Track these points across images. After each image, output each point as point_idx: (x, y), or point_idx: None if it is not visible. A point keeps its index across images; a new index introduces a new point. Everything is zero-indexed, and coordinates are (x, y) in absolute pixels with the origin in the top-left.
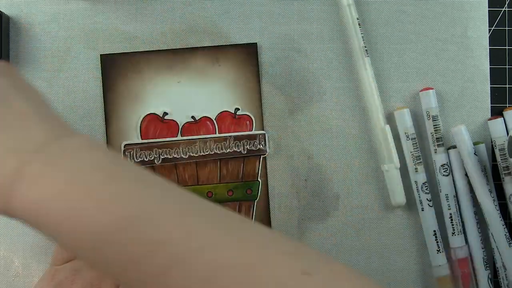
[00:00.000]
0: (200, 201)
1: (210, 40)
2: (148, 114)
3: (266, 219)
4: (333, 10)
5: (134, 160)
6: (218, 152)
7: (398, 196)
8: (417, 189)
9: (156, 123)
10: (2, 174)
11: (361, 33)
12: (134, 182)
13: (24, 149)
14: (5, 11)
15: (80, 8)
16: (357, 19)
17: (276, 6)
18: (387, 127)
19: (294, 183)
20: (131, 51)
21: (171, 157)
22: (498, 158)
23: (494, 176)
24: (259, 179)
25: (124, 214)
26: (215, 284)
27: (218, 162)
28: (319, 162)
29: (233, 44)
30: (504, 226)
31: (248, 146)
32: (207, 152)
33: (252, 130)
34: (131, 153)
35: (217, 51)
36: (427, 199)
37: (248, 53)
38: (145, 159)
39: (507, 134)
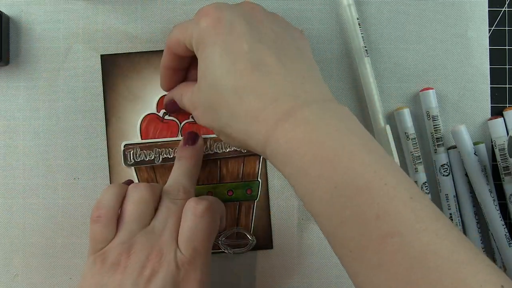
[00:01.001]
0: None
1: None
2: (148, 114)
3: (266, 219)
4: (333, 10)
5: (134, 160)
6: (218, 152)
7: None
8: None
9: (156, 123)
10: (274, 112)
11: (361, 33)
12: (387, 158)
13: (299, 97)
14: (5, 11)
15: (80, 8)
16: (357, 19)
17: (276, 6)
18: (387, 127)
19: None
20: (131, 51)
21: (171, 157)
22: (498, 158)
23: (494, 176)
24: (259, 179)
25: (379, 179)
26: (422, 268)
27: (218, 162)
28: None
29: None
30: (504, 226)
31: None
32: (206, 152)
33: None
34: (131, 152)
35: None
36: None
37: None
38: (145, 159)
39: (507, 134)
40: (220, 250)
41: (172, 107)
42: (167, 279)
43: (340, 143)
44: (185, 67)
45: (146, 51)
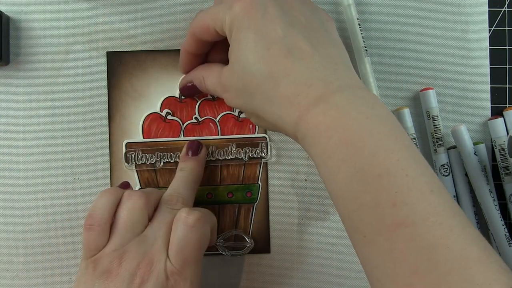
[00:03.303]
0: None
1: None
2: (151, 113)
3: (265, 222)
4: (333, 10)
5: (136, 163)
6: (220, 158)
7: None
8: None
9: (159, 122)
10: (307, 97)
11: (361, 33)
12: (413, 149)
13: (332, 83)
14: (5, 11)
15: (80, 8)
16: (357, 19)
17: None
18: None
19: (294, 183)
20: (131, 50)
21: (173, 161)
22: (498, 158)
23: (494, 176)
24: (259, 182)
25: (401, 168)
26: (431, 260)
27: (219, 165)
28: None
29: None
30: (504, 226)
31: (250, 154)
32: (208, 158)
33: (254, 133)
34: (133, 155)
35: None
36: None
37: None
38: (146, 162)
39: (507, 134)
40: (218, 252)
41: (189, 91)
42: None
43: (368, 129)
44: (207, 51)
45: (152, 50)
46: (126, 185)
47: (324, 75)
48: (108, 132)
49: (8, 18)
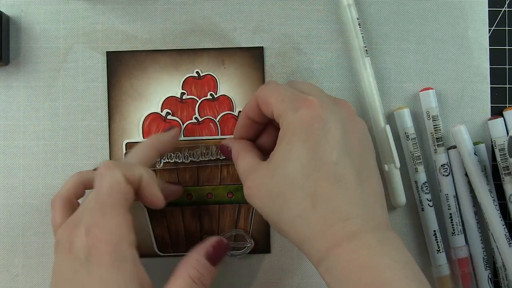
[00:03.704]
0: None
1: (210, 40)
2: (150, 113)
3: (265, 223)
4: (333, 10)
5: None
6: (220, 158)
7: (398, 196)
8: (417, 189)
9: (159, 122)
10: (343, 231)
11: (361, 33)
12: None
13: (367, 222)
14: (5, 11)
15: (80, 8)
16: (357, 19)
17: (276, 6)
18: (387, 127)
19: None
20: (131, 50)
21: (173, 161)
22: (498, 158)
23: (494, 176)
24: None
25: None
26: None
27: (219, 164)
28: None
29: (240, 47)
30: (504, 226)
31: None
32: (208, 157)
33: None
34: None
35: (223, 53)
36: (427, 199)
37: (254, 56)
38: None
39: (507, 134)
40: None
41: (224, 152)
42: None
43: (397, 274)
44: (266, 122)
45: (152, 50)
46: None
47: (363, 212)
48: (108, 132)
49: (8, 18)
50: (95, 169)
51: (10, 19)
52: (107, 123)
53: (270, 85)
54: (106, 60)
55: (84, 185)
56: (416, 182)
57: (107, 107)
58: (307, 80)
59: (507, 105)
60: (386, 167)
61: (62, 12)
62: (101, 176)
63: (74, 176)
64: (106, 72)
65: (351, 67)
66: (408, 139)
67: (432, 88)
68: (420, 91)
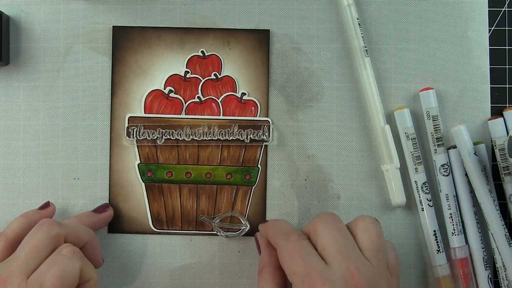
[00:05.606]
0: None
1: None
2: (153, 90)
3: (262, 206)
4: (333, 10)
5: (137, 138)
6: (221, 139)
7: (398, 196)
8: (417, 189)
9: (161, 99)
10: None
11: (361, 33)
12: None
13: None
14: (5, 11)
15: (80, 8)
16: (357, 19)
17: (276, 6)
18: (387, 127)
19: (294, 183)
20: (137, 26)
21: (174, 138)
22: (498, 158)
23: (494, 176)
24: (259, 166)
25: None
26: None
27: (220, 145)
28: (319, 162)
29: (246, 29)
30: (504, 226)
31: (251, 136)
32: (209, 137)
33: (256, 116)
34: (134, 130)
35: (229, 34)
36: (427, 199)
37: (260, 39)
38: (147, 137)
39: (507, 134)
40: (213, 232)
41: (257, 245)
42: None
43: None
44: None
45: (158, 27)
46: (46, 205)
47: None
48: (109, 132)
49: (8, 18)
50: (41, 208)
51: (10, 19)
52: (108, 123)
53: (291, 244)
54: (108, 59)
55: (31, 227)
56: (416, 182)
57: (107, 107)
58: (306, 80)
59: (507, 105)
60: (386, 167)
61: (62, 12)
62: (58, 255)
63: (20, 218)
64: (106, 72)
65: (351, 67)
66: (408, 139)
67: (432, 88)
68: (420, 91)
